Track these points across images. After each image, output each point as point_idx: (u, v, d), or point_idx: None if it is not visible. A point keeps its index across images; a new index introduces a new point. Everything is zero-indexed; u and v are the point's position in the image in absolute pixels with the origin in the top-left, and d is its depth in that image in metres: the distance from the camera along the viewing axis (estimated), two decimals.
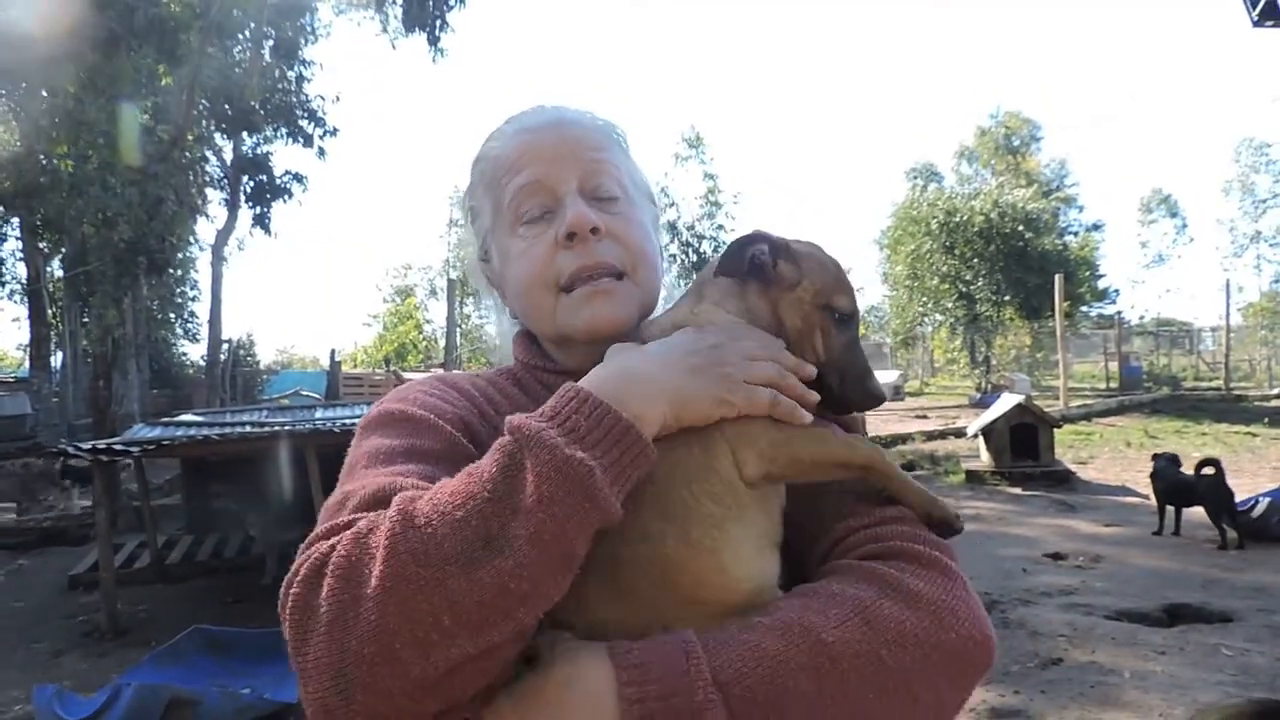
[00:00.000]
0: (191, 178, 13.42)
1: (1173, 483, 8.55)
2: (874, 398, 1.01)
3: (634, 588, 0.84)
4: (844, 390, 0.99)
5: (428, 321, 39.68)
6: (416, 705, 0.73)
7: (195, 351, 26.37)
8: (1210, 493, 8.20)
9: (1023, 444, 11.93)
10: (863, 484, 0.97)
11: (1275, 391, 21.42)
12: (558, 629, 0.81)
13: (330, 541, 0.77)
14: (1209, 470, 8.21)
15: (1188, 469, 8.68)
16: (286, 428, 7.23)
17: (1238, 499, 8.96)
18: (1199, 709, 2.72)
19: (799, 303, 1.00)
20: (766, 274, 1.00)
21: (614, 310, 1.05)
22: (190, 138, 12.32)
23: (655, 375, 0.87)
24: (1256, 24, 9.85)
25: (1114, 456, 14.13)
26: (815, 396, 0.93)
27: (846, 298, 1.02)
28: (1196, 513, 8.59)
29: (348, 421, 8.22)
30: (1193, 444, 14.65)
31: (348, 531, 0.77)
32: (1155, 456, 8.91)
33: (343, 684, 0.71)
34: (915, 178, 39.80)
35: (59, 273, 19.04)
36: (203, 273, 24.58)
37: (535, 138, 1.09)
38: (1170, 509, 8.66)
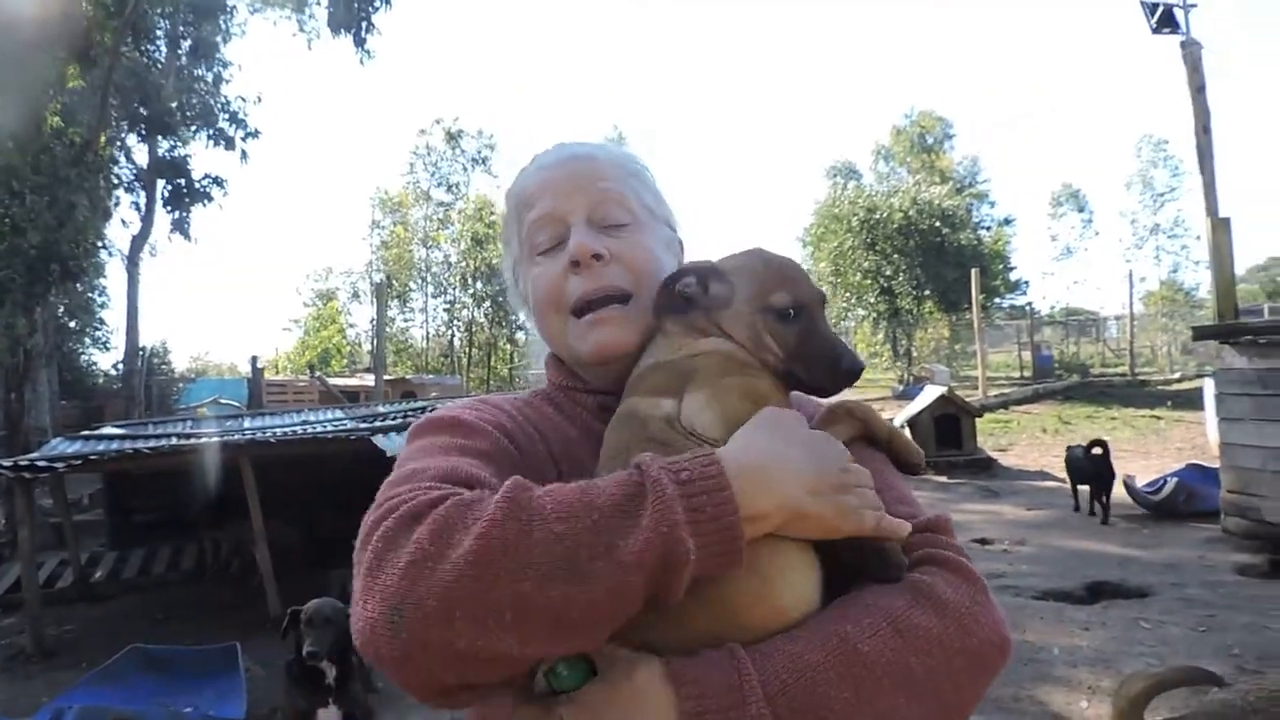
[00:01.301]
0: (103, 182, 12.89)
1: (1078, 466, 9.38)
2: (844, 375, 1.03)
3: (685, 611, 0.84)
4: (812, 378, 1.02)
5: (351, 325, 38.87)
6: (443, 671, 0.77)
7: (105, 361, 25.35)
8: (1095, 471, 9.02)
9: (946, 434, 12.35)
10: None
11: (1176, 375, 22.49)
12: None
13: (429, 495, 0.82)
14: (1097, 450, 9.07)
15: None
16: (221, 438, 7.04)
17: (1148, 479, 9.47)
18: (1124, 679, 2.90)
19: (738, 316, 1.04)
20: (700, 302, 1.06)
21: (617, 336, 1.11)
22: (103, 140, 11.84)
23: (793, 481, 0.88)
24: (1155, 31, 10.40)
25: (1031, 443, 14.71)
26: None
27: (783, 293, 1.04)
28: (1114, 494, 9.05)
29: (281, 429, 8.06)
30: (1103, 428, 15.34)
31: (451, 496, 0.82)
32: (1069, 447, 9.77)
33: (396, 619, 0.75)
34: (835, 176, 40.57)
35: None
36: (113, 279, 23.64)
37: (549, 173, 1.18)
38: (1083, 489, 9.39)
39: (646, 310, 1.12)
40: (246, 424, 9.41)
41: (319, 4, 16.14)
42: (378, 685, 4.78)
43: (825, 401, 1.16)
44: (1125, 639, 5.32)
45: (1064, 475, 9.98)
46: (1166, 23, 10.93)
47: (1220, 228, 9.13)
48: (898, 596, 0.92)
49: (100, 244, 14.01)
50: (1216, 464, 8.23)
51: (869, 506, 0.92)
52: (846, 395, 1.11)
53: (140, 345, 19.23)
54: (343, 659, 3.98)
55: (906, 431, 12.58)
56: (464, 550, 0.76)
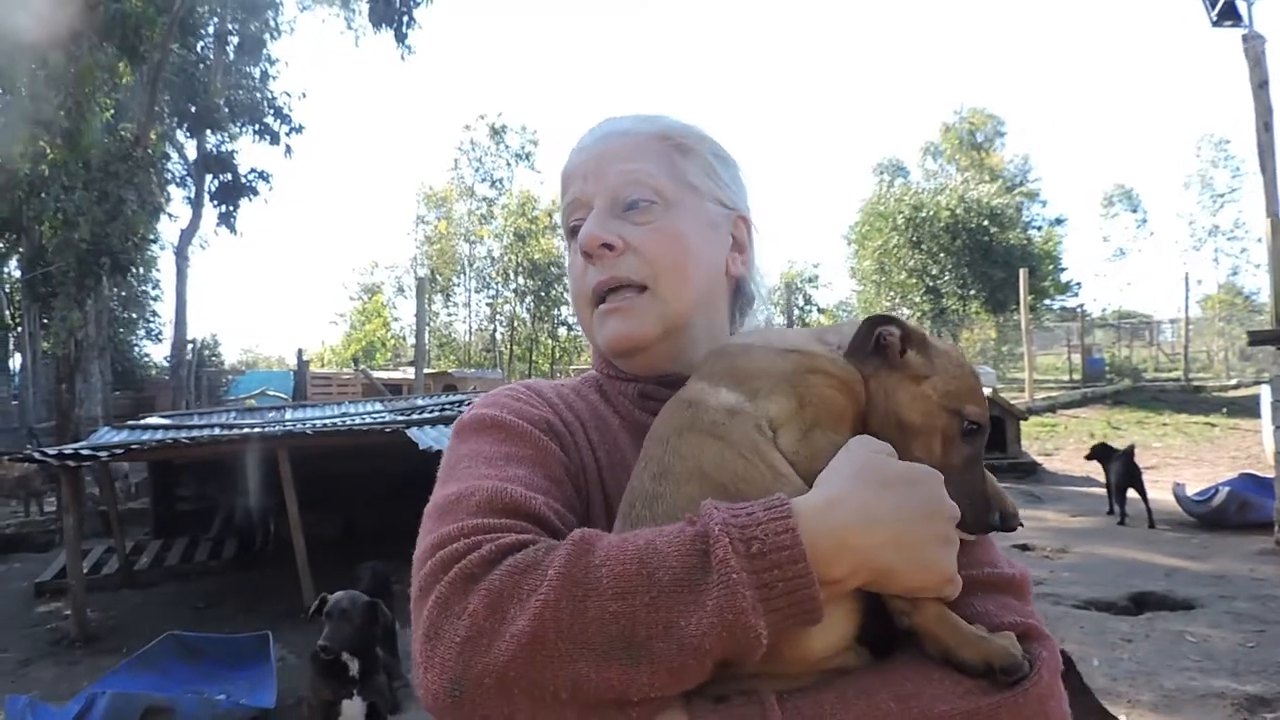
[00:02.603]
0: (154, 176, 13.17)
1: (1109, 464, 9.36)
2: (983, 528, 0.91)
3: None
4: (962, 513, 0.88)
5: (395, 319, 39.37)
6: None
7: (158, 353, 25.96)
8: (1118, 472, 9.01)
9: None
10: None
11: (1233, 382, 21.87)
12: None
13: (480, 552, 0.80)
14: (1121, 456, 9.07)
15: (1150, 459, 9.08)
16: (259, 429, 7.15)
17: (1199, 488, 9.19)
18: None
19: (924, 398, 0.93)
20: (891, 358, 0.95)
21: (628, 327, 1.06)
22: (153, 136, 12.11)
23: (881, 541, 0.81)
24: (1215, 24, 10.09)
25: (1079, 448, 14.36)
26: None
27: (979, 408, 0.93)
28: (1159, 503, 8.81)
29: (319, 422, 8.16)
30: (1154, 434, 14.96)
31: (505, 556, 0.79)
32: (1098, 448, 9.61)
33: (457, 691, 0.75)
34: (882, 173, 40.10)
35: (17, 273, 18.65)
36: (165, 272, 24.20)
37: (581, 156, 1.12)
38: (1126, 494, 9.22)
39: (666, 301, 1.06)
40: (288, 415, 9.54)
41: (364, 0, 16.31)
42: (407, 676, 4.81)
43: None
44: (1169, 652, 5.16)
45: (1111, 481, 9.76)
46: (1228, 15, 10.58)
47: None
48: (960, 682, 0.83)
49: (150, 238, 14.32)
50: (1272, 474, 7.96)
51: (949, 566, 0.84)
52: None
53: (190, 338, 19.63)
54: (364, 652, 4.00)
55: None
56: (519, 630, 0.74)
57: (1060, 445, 14.65)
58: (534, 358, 35.75)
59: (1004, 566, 0.97)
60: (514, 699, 0.75)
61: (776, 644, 0.77)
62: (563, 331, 36.98)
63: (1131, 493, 9.02)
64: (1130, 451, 9.08)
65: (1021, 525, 0.99)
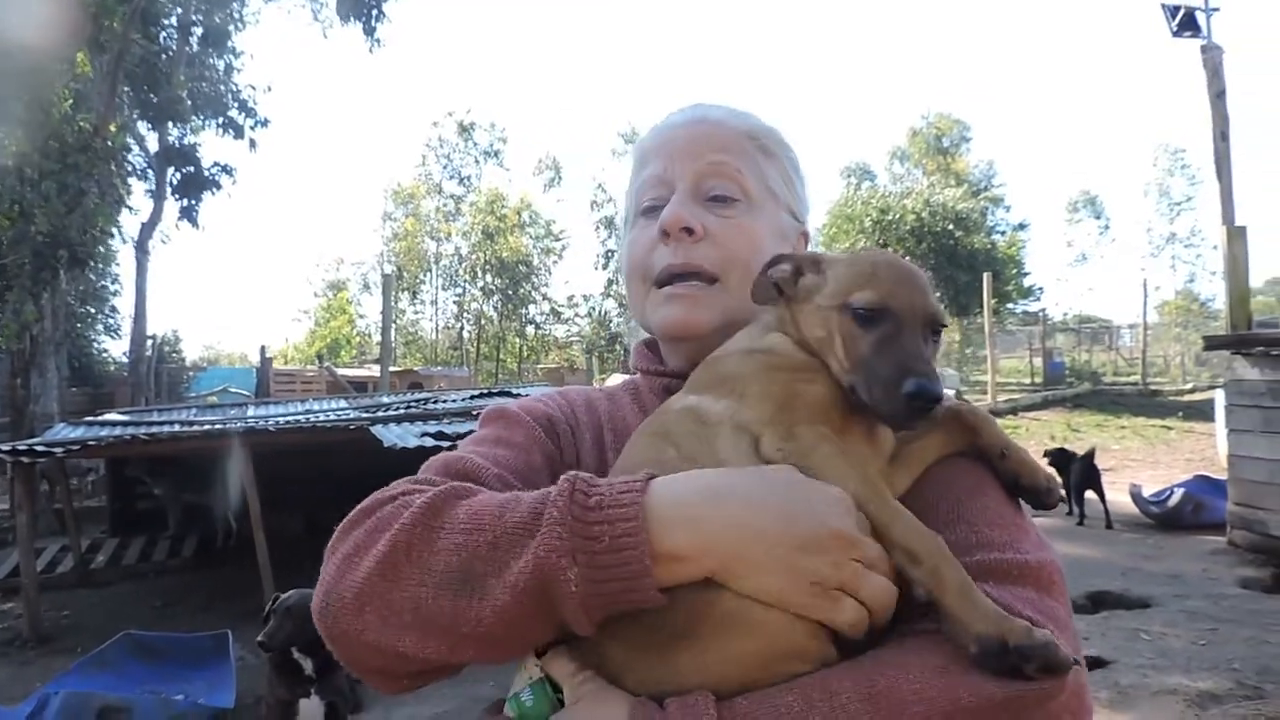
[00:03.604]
0: (114, 168, 12.93)
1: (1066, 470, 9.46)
2: (905, 400, 0.81)
3: (672, 651, 0.78)
4: (870, 395, 0.84)
5: (361, 316, 38.96)
6: (366, 658, 0.82)
7: (116, 348, 25.42)
8: (1077, 474, 9.14)
9: None
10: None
11: (1189, 386, 22.32)
12: (583, 669, 0.81)
13: (394, 491, 0.87)
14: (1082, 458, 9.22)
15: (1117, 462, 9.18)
16: (219, 426, 7.04)
17: (1155, 490, 9.38)
18: None
19: (816, 309, 0.91)
20: (786, 290, 0.97)
21: (692, 315, 1.06)
22: (113, 127, 11.88)
23: (738, 532, 0.77)
24: (1176, 34, 10.30)
25: (1039, 450, 14.56)
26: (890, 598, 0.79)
27: (870, 291, 0.87)
28: (1117, 504, 8.96)
29: (282, 419, 8.06)
30: (1112, 437, 15.23)
31: (405, 494, 0.86)
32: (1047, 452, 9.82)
33: (328, 602, 0.81)
34: (850, 177, 40.42)
35: None
36: (125, 267, 23.75)
37: (669, 134, 1.13)
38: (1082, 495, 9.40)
39: (733, 296, 1.05)
40: (250, 413, 9.41)
41: None
42: None
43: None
44: (1125, 649, 5.24)
45: (1071, 482, 9.92)
46: (1188, 26, 10.81)
47: (1236, 236, 9.03)
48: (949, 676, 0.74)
49: (110, 231, 14.04)
50: (1225, 476, 8.14)
51: (860, 594, 0.76)
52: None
53: (150, 333, 19.26)
54: (317, 650, 3.92)
55: None
56: (378, 551, 0.80)
57: (1022, 447, 14.85)
58: (501, 356, 35.57)
59: (1026, 551, 0.85)
60: (364, 615, 0.79)
61: (721, 650, 0.76)
62: (530, 330, 36.84)
63: (1090, 494, 9.17)
64: (1090, 454, 9.23)
65: (1056, 495, 0.93)
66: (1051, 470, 9.61)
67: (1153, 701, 4.45)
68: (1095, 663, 2.40)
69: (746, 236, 1.07)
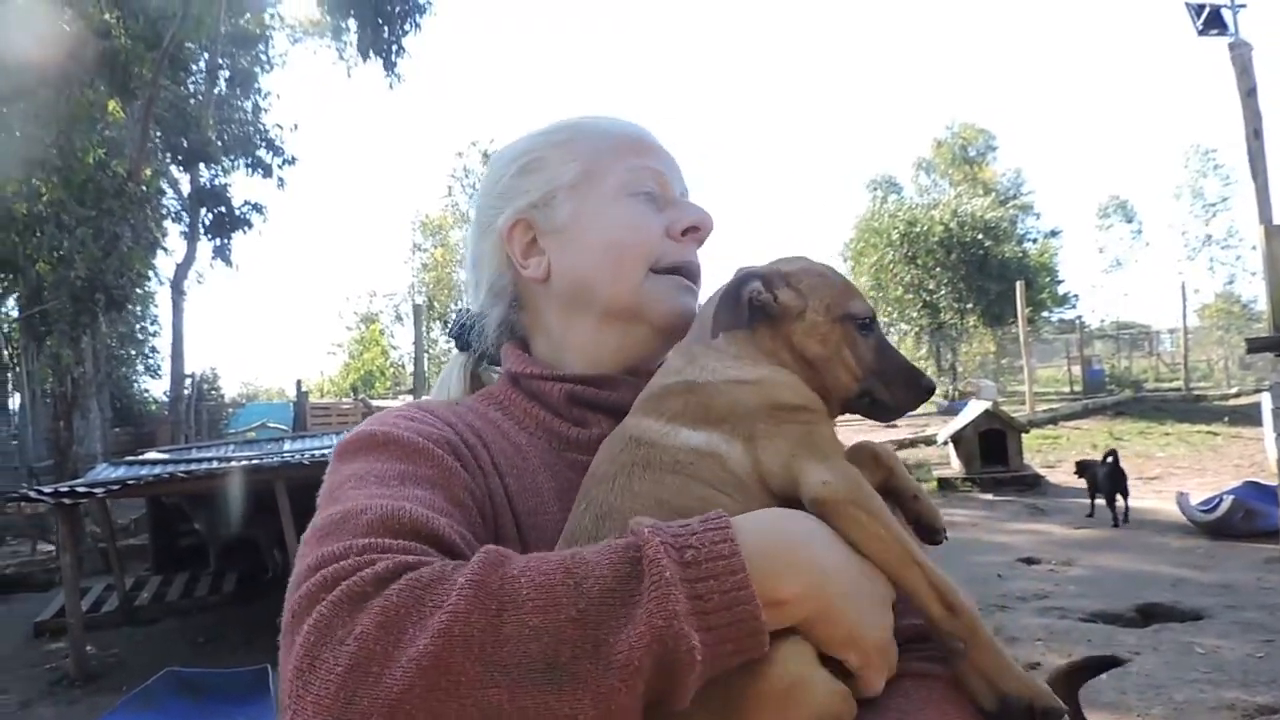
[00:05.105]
0: (149, 212, 13.23)
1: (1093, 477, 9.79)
2: (924, 391, 0.94)
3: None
4: (894, 395, 0.93)
5: (394, 347, 39.38)
6: None
7: (157, 388, 25.89)
8: (1105, 479, 9.35)
9: (992, 450, 12.07)
10: None
11: (1233, 390, 21.83)
12: None
13: (374, 568, 0.68)
14: (1109, 460, 9.47)
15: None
16: (254, 461, 7.12)
17: (1203, 498, 9.16)
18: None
19: (814, 325, 0.92)
20: (770, 312, 0.93)
21: (695, 310, 1.06)
22: (147, 172, 12.17)
23: (825, 576, 0.75)
24: (1201, 33, 10.17)
25: (1081, 460, 14.33)
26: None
27: (859, 300, 0.94)
28: (1161, 513, 8.77)
29: (317, 452, 8.12)
30: (1156, 444, 14.91)
31: (405, 570, 0.68)
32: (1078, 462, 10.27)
33: None
34: (876, 189, 40.29)
35: (14, 313, 18.67)
36: (163, 307, 24.21)
37: (655, 142, 1.13)
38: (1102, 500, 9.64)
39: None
40: (285, 446, 9.51)
41: (350, 31, 16.45)
42: None
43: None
44: (1178, 664, 5.10)
45: (1099, 487, 9.83)
46: (1214, 24, 10.66)
47: (1274, 236, 8.80)
48: None
49: (145, 274, 14.35)
50: (1275, 481, 7.92)
51: (887, 634, 0.78)
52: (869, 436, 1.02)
53: (188, 372, 19.59)
54: None
55: (950, 448, 12.49)
56: (418, 651, 0.61)
57: (1063, 457, 14.57)
58: None
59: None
60: None
61: (748, 705, 0.71)
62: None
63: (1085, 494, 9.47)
64: (1113, 457, 9.40)
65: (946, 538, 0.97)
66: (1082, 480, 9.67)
67: (1210, 717, 4.32)
68: (1110, 662, 2.32)
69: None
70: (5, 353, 18.88)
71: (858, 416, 0.98)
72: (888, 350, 0.94)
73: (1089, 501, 9.71)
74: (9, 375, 18.51)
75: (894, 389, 0.92)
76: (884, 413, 0.94)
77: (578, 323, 1.05)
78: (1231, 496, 8.72)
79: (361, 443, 0.90)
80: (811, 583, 0.73)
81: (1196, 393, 22.20)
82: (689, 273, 1.06)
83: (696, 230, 1.07)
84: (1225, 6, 10.62)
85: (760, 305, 0.92)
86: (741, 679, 0.71)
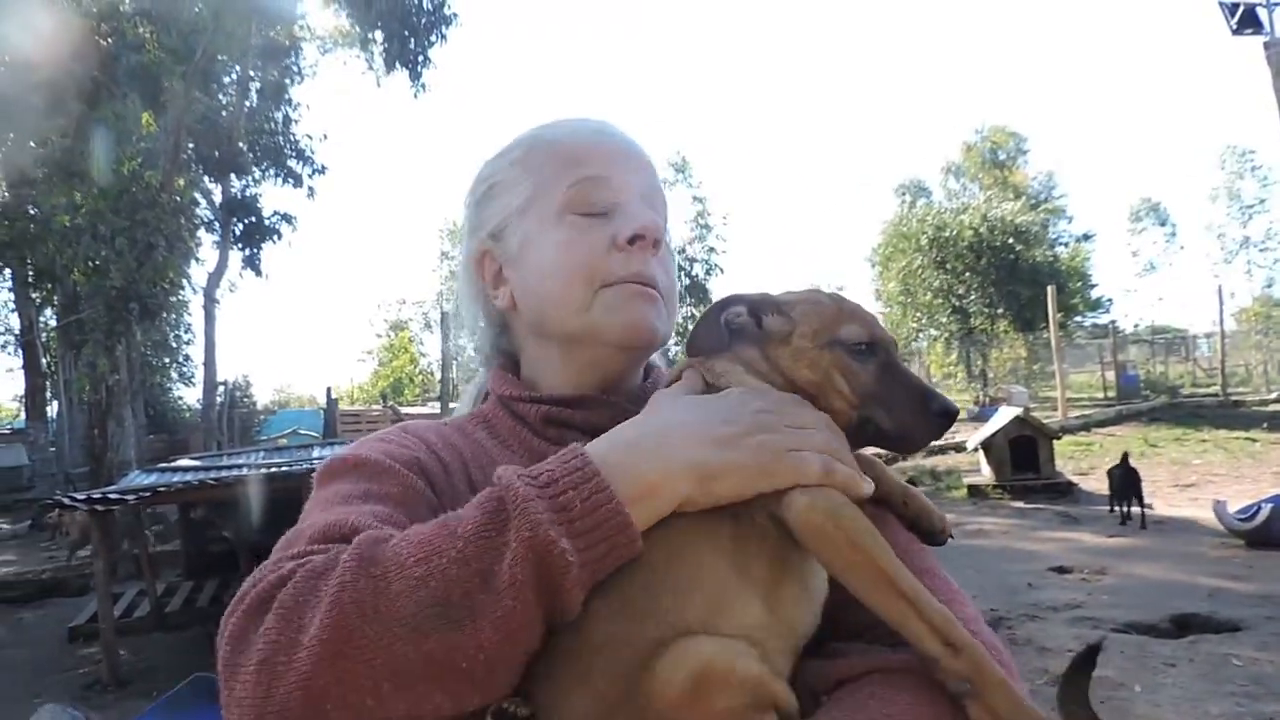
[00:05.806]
0: (182, 221, 13.46)
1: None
2: (935, 417, 0.86)
3: (605, 672, 0.74)
4: (896, 422, 0.86)
5: (423, 355, 39.69)
6: None
7: (191, 395, 26.32)
8: (1117, 481, 9.63)
9: (1023, 457, 11.90)
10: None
11: (1273, 396, 21.40)
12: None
13: (279, 572, 0.71)
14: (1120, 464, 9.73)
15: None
16: (282, 468, 7.19)
17: (1241, 505, 8.99)
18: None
19: (800, 352, 0.89)
20: (752, 334, 0.92)
21: (655, 318, 1.00)
22: (180, 182, 12.38)
23: (682, 443, 0.77)
24: (1235, 32, 10.02)
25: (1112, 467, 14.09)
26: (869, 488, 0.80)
27: (856, 326, 0.89)
28: (1198, 521, 8.61)
29: None
30: (1193, 451, 14.64)
31: (302, 565, 0.71)
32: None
33: None
34: (904, 194, 40.05)
35: (53, 322, 19.06)
36: (196, 316, 24.60)
37: (606, 140, 1.06)
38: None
39: (669, 322, 1.03)
40: (315, 453, 9.59)
41: (378, 42, 16.62)
42: None
43: None
44: (1214, 677, 4.99)
45: (1148, 500, 9.74)
46: (1248, 23, 10.50)
47: None
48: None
49: (179, 283, 14.59)
50: None
51: (812, 448, 0.78)
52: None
53: (221, 379, 19.88)
54: None
55: (980, 455, 12.33)
56: (317, 629, 0.65)
57: (1096, 464, 14.34)
58: None
59: (971, 620, 0.83)
60: (328, 714, 0.64)
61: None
62: None
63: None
64: (1125, 460, 9.64)
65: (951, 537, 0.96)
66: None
67: None
68: (1091, 651, 2.23)
69: (670, 271, 1.05)
70: (44, 362, 19.28)
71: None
72: (896, 376, 0.88)
73: (1114, 508, 9.76)
74: (47, 383, 18.90)
75: (897, 415, 0.86)
76: (892, 442, 0.89)
77: (547, 347, 1.05)
78: (1270, 504, 8.54)
79: (335, 468, 0.93)
80: (671, 457, 0.76)
81: (1234, 398, 21.77)
82: (641, 282, 1.00)
83: (642, 238, 0.99)
84: (1260, 5, 10.45)
85: (739, 329, 0.92)
86: (646, 688, 0.71)
